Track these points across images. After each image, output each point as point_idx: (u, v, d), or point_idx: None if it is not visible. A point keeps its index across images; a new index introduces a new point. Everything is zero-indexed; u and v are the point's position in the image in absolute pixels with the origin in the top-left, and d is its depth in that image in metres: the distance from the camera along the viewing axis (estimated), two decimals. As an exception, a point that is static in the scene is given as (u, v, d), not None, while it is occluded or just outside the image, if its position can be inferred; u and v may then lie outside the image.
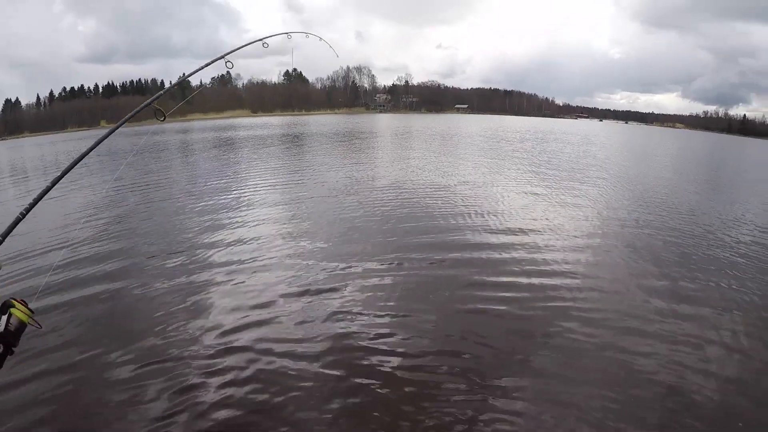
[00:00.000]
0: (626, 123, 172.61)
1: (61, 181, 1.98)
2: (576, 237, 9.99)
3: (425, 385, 4.72)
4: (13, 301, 1.46)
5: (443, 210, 12.26)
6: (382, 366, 5.07)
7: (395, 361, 5.18)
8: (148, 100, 2.27)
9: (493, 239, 9.71)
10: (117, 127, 2.05)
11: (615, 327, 5.95)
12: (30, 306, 1.47)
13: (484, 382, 4.76)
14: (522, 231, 10.24)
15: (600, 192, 15.59)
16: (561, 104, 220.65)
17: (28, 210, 1.72)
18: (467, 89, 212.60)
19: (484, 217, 11.62)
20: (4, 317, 1.42)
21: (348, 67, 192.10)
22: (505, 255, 8.68)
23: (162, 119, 2.25)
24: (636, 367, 5.05)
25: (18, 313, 1.44)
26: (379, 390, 4.65)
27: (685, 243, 9.77)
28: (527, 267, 8.07)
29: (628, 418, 4.21)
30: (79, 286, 7.45)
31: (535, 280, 7.46)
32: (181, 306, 6.65)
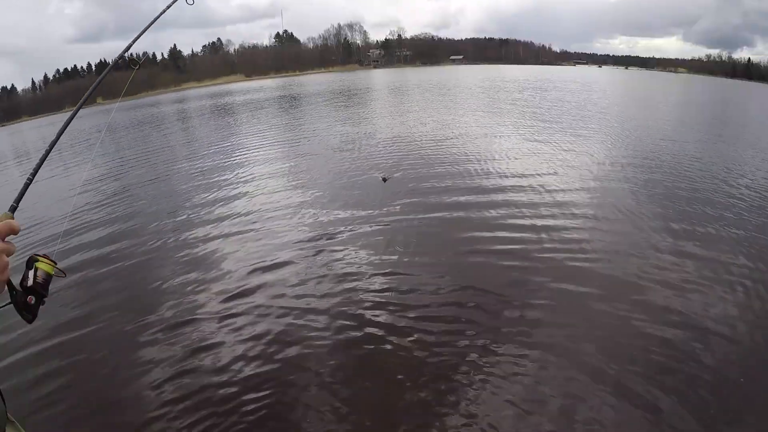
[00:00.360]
0: (626, 68, 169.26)
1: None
2: (580, 187, 9.94)
3: (429, 341, 4.77)
4: (36, 256, 1.56)
5: (444, 162, 12.34)
6: (386, 321, 5.16)
7: (398, 314, 5.27)
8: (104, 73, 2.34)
9: (496, 189, 9.79)
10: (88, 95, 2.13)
11: (619, 278, 5.93)
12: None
13: (488, 338, 4.79)
14: (526, 181, 10.26)
15: (602, 141, 15.58)
16: (558, 51, 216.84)
17: (33, 174, 1.84)
18: (461, 40, 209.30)
19: (485, 167, 11.68)
20: (31, 272, 1.52)
21: (339, 25, 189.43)
22: (508, 205, 8.73)
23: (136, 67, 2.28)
24: (637, 320, 5.01)
25: (43, 265, 1.55)
26: (383, 347, 4.74)
27: (690, 189, 9.73)
28: (530, 217, 8.10)
29: (627, 372, 4.22)
30: (92, 247, 8.07)
31: (538, 231, 7.49)
32: (189, 267, 6.90)
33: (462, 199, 9.18)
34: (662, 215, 8.12)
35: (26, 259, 1.53)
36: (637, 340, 4.65)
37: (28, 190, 1.77)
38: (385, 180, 9.18)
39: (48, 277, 1.55)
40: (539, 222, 7.88)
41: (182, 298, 6.04)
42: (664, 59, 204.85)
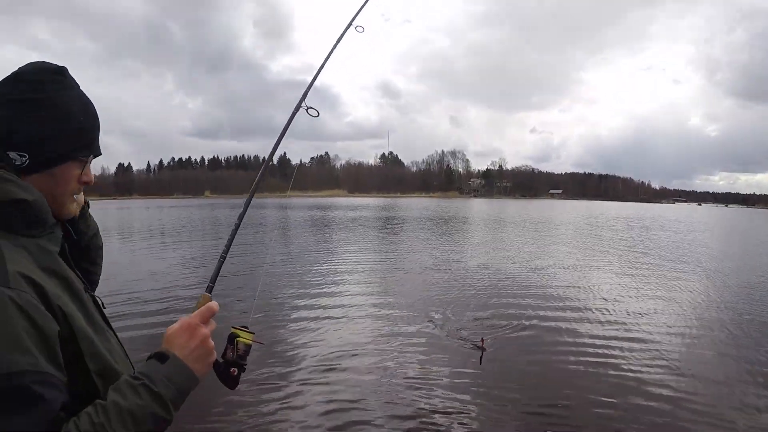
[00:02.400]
0: (726, 206, 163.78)
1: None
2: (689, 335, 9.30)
3: None
4: (236, 330, 1.61)
5: (536, 294, 12.18)
6: None
7: None
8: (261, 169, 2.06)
9: (587, 324, 9.63)
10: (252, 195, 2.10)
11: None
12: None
13: None
14: (628, 324, 9.83)
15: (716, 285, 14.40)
16: (657, 188, 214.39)
17: (226, 252, 1.84)
18: (561, 174, 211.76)
19: (582, 304, 11.37)
20: (232, 346, 1.59)
21: (443, 151, 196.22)
22: (599, 342, 8.53)
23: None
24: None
25: (243, 339, 1.61)
26: None
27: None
28: (625, 354, 7.90)
29: None
30: None
31: (630, 370, 7.23)
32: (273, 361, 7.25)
33: (547, 329, 9.24)
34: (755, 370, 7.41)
35: (228, 333, 1.58)
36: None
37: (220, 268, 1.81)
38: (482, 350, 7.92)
39: (247, 349, 1.61)
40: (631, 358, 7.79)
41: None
42: (765, 195, 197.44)
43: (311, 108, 2.24)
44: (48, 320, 1.17)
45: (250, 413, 5.56)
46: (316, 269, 15.51)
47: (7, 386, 1.05)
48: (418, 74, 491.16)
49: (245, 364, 1.60)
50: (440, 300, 11.36)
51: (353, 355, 7.63)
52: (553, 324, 9.55)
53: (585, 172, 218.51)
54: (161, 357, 1.31)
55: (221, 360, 1.55)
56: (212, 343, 1.42)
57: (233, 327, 1.60)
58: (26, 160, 1.31)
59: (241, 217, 1.89)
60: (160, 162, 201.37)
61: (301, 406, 5.85)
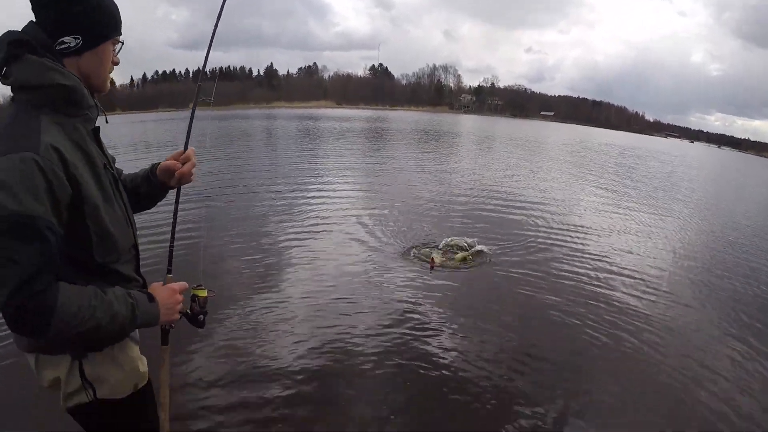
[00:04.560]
0: (719, 147, 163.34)
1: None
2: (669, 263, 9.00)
3: (481, 391, 4.41)
4: (194, 291, 2.09)
5: (519, 219, 11.47)
6: (443, 367, 4.80)
7: (456, 361, 4.93)
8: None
9: (579, 249, 9.21)
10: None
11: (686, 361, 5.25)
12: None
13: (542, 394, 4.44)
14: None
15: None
16: (651, 120, 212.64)
17: (171, 243, 2.23)
18: (554, 96, 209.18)
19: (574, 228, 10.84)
20: (195, 304, 2.10)
21: (434, 65, 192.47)
22: (587, 267, 8.12)
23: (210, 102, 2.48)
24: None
25: (200, 294, 2.10)
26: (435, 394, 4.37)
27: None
28: (608, 280, 7.55)
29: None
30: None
31: (612, 296, 6.90)
32: (254, 286, 6.73)
33: (537, 253, 8.72)
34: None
35: (190, 295, 2.10)
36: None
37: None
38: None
39: (205, 300, 2.12)
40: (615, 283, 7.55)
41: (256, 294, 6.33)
42: (760, 143, 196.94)
43: None
44: (63, 186, 1.53)
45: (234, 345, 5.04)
46: (284, 189, 14.01)
47: (24, 222, 1.43)
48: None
49: (206, 311, 2.13)
50: (420, 214, 10.92)
51: (319, 272, 7.21)
52: (536, 247, 9.07)
53: (579, 97, 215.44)
54: (151, 298, 1.81)
55: (189, 312, 2.09)
56: (180, 307, 1.97)
57: (192, 288, 2.09)
58: (79, 41, 1.65)
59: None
60: (144, 76, 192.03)
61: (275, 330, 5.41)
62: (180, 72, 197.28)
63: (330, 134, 38.93)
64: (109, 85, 1.83)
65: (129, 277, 1.91)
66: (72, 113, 1.65)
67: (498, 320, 5.88)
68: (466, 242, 8.46)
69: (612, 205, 14.34)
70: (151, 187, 2.17)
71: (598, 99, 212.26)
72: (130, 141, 32.22)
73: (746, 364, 5.25)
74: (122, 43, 1.82)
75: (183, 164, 2.12)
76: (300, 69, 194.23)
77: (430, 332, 5.44)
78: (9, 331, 1.59)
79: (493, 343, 5.31)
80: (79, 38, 1.64)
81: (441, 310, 6.05)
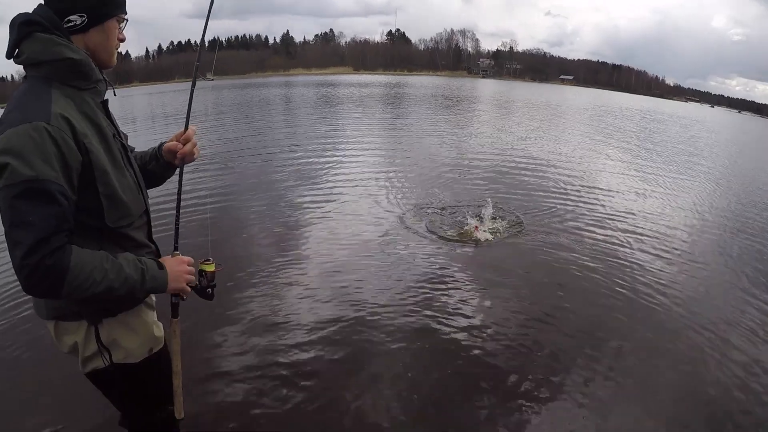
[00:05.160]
0: (739, 112, 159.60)
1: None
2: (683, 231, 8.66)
3: (498, 361, 4.40)
4: (201, 265, 2.13)
5: (542, 183, 11.33)
6: (459, 342, 4.70)
7: (473, 332, 4.87)
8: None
9: (598, 219, 8.86)
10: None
11: (704, 329, 5.12)
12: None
13: (557, 364, 4.40)
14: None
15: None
16: (672, 84, 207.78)
17: (177, 218, 2.25)
18: (573, 60, 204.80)
19: (591, 195, 10.57)
20: (203, 278, 2.12)
21: (452, 30, 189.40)
22: (608, 237, 7.86)
23: (212, 79, 2.94)
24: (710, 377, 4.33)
25: (207, 269, 2.13)
26: (451, 367, 4.32)
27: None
28: (626, 248, 7.37)
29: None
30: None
31: (630, 264, 6.75)
32: (269, 259, 6.63)
33: (552, 223, 8.44)
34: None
35: (198, 270, 2.12)
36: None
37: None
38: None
39: (213, 275, 2.15)
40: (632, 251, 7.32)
41: (266, 272, 6.15)
42: None
43: None
44: (73, 152, 1.63)
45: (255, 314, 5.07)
46: (302, 156, 13.92)
47: (37, 186, 1.54)
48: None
49: (214, 284, 2.16)
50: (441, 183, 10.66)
51: (340, 247, 7.02)
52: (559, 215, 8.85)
53: (599, 61, 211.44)
54: (161, 266, 1.90)
55: (199, 285, 2.12)
56: (189, 278, 2.02)
57: (199, 263, 2.14)
58: (85, 19, 1.75)
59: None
60: (159, 47, 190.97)
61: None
62: (195, 42, 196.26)
63: (349, 100, 38.80)
64: (115, 60, 1.91)
65: (141, 242, 2.02)
66: (81, 86, 1.76)
67: (525, 292, 5.81)
68: (493, 214, 8.32)
69: (636, 170, 14.32)
70: (158, 165, 2.26)
71: (618, 63, 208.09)
72: (150, 113, 32.55)
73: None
74: (127, 20, 1.92)
75: (184, 144, 2.20)
76: (317, 36, 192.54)
77: (452, 306, 5.33)
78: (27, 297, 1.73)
79: (520, 314, 5.23)
80: (84, 16, 1.74)
81: (464, 281, 5.98)
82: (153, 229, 2.17)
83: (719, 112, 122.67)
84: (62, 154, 1.59)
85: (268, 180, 10.99)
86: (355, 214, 8.53)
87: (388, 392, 3.90)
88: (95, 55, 1.80)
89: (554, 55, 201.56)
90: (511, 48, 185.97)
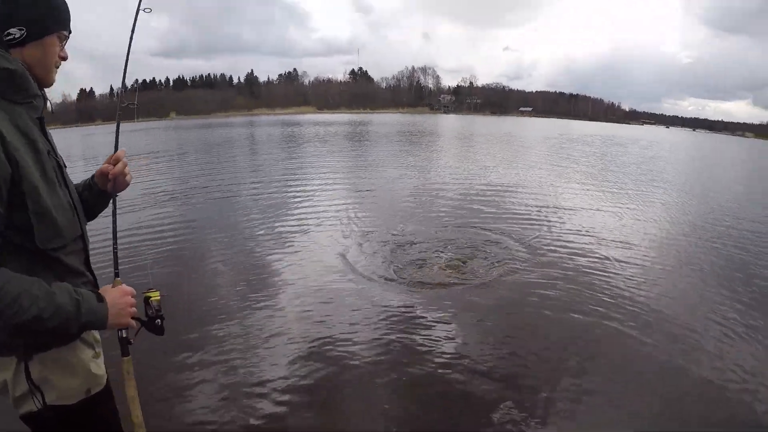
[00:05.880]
0: (693, 130, 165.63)
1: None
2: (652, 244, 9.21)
3: (474, 382, 4.42)
4: (145, 294, 2.02)
5: (509, 209, 11.61)
6: (436, 361, 4.78)
7: (450, 355, 4.90)
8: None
9: (567, 239, 9.14)
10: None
11: (675, 341, 5.26)
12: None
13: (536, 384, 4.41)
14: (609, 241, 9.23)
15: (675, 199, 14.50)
16: (627, 110, 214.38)
17: (115, 245, 2.17)
18: (532, 92, 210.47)
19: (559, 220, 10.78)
20: (149, 308, 2.01)
21: (413, 67, 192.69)
22: (575, 260, 7.96)
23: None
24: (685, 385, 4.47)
25: (153, 298, 2.02)
26: (427, 388, 4.37)
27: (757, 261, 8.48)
28: (596, 271, 7.42)
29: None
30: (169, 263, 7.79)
31: (598, 283, 6.89)
32: (244, 287, 6.69)
33: (518, 244, 8.70)
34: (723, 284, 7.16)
35: (142, 299, 1.98)
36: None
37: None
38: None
39: (159, 304, 2.02)
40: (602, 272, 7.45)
41: (237, 304, 6.11)
42: (732, 123, 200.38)
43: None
44: (2, 163, 1.52)
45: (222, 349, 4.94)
46: (264, 191, 13.82)
47: None
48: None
49: (162, 315, 2.03)
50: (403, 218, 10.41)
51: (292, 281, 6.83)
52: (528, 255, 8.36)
53: (556, 92, 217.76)
54: (100, 298, 1.76)
55: (146, 318, 2.00)
56: (132, 310, 1.88)
57: (143, 293, 2.01)
58: (24, 33, 1.70)
59: (112, 205, 2.20)
60: (123, 85, 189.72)
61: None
62: (160, 81, 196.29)
63: (314, 138, 39.17)
64: (54, 77, 1.86)
65: (76, 270, 1.86)
66: (16, 99, 1.68)
67: (497, 325, 5.61)
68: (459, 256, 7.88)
69: (606, 192, 14.94)
70: (92, 194, 2.15)
71: (575, 92, 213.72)
72: (109, 151, 32.24)
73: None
74: (68, 37, 1.86)
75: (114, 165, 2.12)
76: (280, 75, 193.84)
77: (425, 339, 5.17)
78: None
79: (493, 346, 5.09)
80: (23, 29, 1.70)
81: (432, 319, 5.67)
82: (95, 256, 2.05)
83: (675, 132, 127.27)
84: None
85: (230, 214, 11.09)
86: (319, 245, 8.49)
87: (362, 424, 3.86)
88: (32, 71, 1.75)
89: (513, 88, 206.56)
90: (471, 83, 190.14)
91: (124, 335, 1.93)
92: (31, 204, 1.61)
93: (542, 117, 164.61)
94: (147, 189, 14.32)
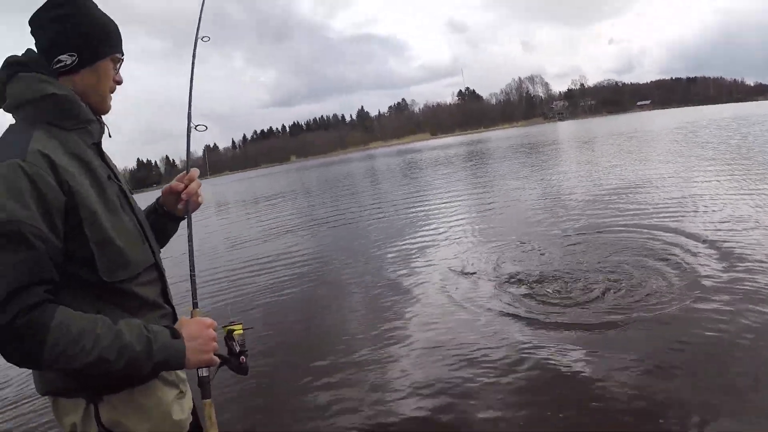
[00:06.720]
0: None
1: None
2: None
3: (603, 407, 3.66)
4: (226, 327, 1.83)
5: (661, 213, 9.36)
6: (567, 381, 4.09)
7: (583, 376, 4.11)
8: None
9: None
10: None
11: None
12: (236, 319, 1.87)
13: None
14: None
15: None
16: (752, 84, 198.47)
17: (192, 272, 2.00)
18: (647, 83, 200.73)
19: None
20: (233, 342, 1.80)
21: (520, 78, 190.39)
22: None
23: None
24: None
25: (237, 331, 1.82)
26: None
27: None
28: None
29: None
30: (275, 292, 8.09)
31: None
32: (366, 315, 6.49)
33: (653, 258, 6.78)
34: None
35: (223, 336, 1.78)
36: None
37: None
38: None
39: (243, 338, 1.83)
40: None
41: (356, 347, 5.52)
42: None
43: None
44: (53, 191, 1.41)
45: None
46: (387, 218, 13.68)
47: (7, 229, 1.32)
48: (482, 3, 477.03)
49: (247, 350, 1.82)
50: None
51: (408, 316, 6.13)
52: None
53: (672, 78, 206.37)
54: (175, 333, 1.59)
55: (228, 356, 1.78)
56: (214, 345, 1.69)
57: (224, 327, 1.81)
58: (75, 59, 1.62)
59: (189, 237, 2.02)
60: (244, 137, 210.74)
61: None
62: (277, 129, 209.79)
63: (433, 163, 39.14)
64: (109, 104, 1.78)
65: (152, 302, 1.73)
66: (68, 126, 1.60)
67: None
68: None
69: None
70: (158, 218, 2.02)
71: (692, 76, 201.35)
72: (242, 198, 34.93)
73: None
74: (121, 61, 1.79)
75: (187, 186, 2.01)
76: (390, 107, 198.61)
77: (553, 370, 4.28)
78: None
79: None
80: (75, 56, 1.62)
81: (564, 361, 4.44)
82: (171, 289, 1.90)
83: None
84: (39, 192, 1.39)
85: (351, 240, 11.42)
86: (443, 279, 7.44)
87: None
88: (86, 98, 1.66)
89: (626, 82, 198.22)
90: (581, 84, 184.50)
91: (205, 374, 1.71)
92: (90, 233, 1.50)
93: (661, 108, 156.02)
94: (266, 224, 15.78)
